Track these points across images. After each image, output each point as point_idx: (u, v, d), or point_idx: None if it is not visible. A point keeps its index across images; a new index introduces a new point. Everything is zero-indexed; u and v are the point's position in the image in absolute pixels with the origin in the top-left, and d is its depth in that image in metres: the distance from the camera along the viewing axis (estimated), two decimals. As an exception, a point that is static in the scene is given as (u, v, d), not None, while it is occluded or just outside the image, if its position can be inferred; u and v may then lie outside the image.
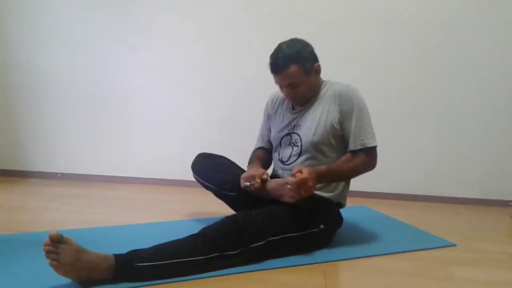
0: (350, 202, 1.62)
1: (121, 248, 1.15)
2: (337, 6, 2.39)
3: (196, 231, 1.25)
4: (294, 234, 1.35)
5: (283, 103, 1.64)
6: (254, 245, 1.27)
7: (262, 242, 1.29)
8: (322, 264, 1.34)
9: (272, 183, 1.43)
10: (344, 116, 1.45)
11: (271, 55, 1.44)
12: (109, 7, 2.57)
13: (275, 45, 1.46)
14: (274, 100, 1.69)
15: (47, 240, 1.02)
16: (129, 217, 1.86)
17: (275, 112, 1.67)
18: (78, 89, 2.67)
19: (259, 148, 1.74)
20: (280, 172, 1.56)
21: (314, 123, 1.48)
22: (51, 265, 1.02)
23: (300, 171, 1.29)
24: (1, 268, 1.21)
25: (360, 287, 1.23)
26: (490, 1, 2.29)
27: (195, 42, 2.55)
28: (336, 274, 1.31)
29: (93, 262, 1.07)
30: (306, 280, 1.22)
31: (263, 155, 1.69)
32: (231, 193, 1.55)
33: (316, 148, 1.47)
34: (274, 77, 1.46)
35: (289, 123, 1.57)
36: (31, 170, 2.77)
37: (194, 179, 1.70)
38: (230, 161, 1.69)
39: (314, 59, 1.48)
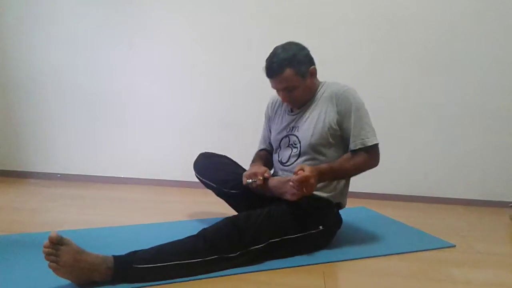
0: (349, 203, 1.63)
1: (120, 249, 1.15)
2: (338, 6, 2.39)
3: (196, 232, 1.25)
4: (294, 236, 1.35)
5: (282, 105, 1.65)
6: (254, 247, 1.27)
7: (262, 245, 1.29)
8: (321, 265, 1.34)
9: (274, 181, 1.44)
10: (343, 117, 1.45)
11: (266, 59, 1.45)
12: (109, 6, 2.57)
13: (275, 45, 1.46)
14: (274, 102, 1.70)
15: (46, 242, 1.02)
16: (128, 217, 1.86)
17: (275, 114, 1.68)
18: (78, 89, 2.67)
19: (261, 150, 1.75)
20: (280, 173, 1.57)
21: (312, 124, 1.48)
22: (50, 266, 1.02)
23: (302, 169, 1.29)
24: (1, 269, 1.21)
25: (359, 288, 1.23)
26: (490, 1, 2.29)
27: (195, 42, 2.55)
28: (336, 275, 1.31)
29: (92, 264, 1.07)
30: (306, 281, 1.22)
31: (266, 156, 1.70)
32: (233, 191, 1.55)
33: (314, 149, 1.47)
34: (270, 81, 1.47)
35: (288, 125, 1.57)
36: (30, 170, 2.77)
37: (193, 180, 1.71)
38: (232, 160, 1.70)
39: (310, 62, 1.47)
